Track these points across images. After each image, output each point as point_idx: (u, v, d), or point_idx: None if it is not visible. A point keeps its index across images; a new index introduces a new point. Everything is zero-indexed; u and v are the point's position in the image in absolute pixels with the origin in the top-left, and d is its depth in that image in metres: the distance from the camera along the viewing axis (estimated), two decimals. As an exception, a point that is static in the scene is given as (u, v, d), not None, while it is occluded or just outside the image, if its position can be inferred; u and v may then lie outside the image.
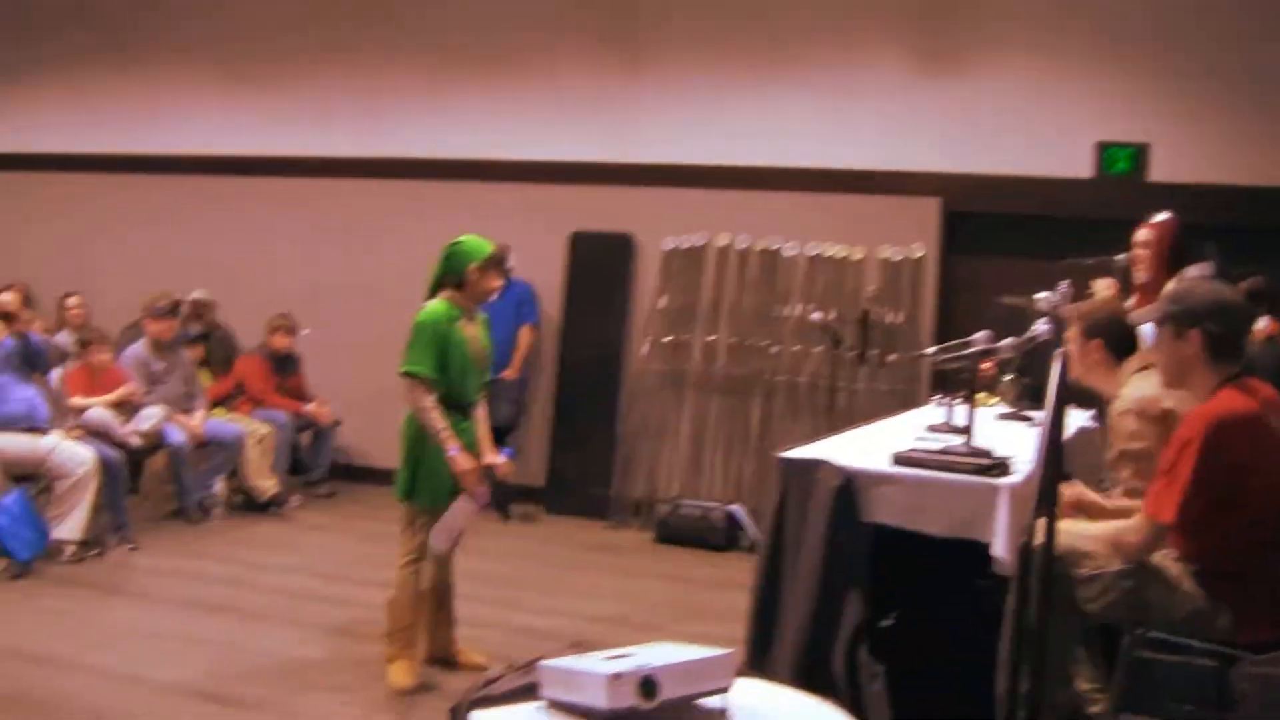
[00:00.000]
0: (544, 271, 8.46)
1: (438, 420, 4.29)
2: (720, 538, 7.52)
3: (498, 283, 4.50)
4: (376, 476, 8.36)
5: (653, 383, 8.20)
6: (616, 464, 8.23)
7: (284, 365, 8.41)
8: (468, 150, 8.64)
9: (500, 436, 6.15)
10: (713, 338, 8.10)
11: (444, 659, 4.86)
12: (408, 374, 4.34)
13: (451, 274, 4.44)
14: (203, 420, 7.60)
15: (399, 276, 8.32)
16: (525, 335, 8.22)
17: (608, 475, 8.21)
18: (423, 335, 4.32)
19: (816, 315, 7.53)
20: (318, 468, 8.51)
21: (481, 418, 4.60)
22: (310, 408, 8.40)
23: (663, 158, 8.21)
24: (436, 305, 4.38)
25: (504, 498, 4.76)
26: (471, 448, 4.44)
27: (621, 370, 8.36)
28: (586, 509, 8.15)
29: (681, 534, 7.60)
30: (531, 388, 8.60)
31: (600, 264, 8.40)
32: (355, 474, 8.89)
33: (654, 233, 8.27)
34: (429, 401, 4.29)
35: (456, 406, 4.42)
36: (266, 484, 7.88)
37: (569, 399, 8.46)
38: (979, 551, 3.44)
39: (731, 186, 8.12)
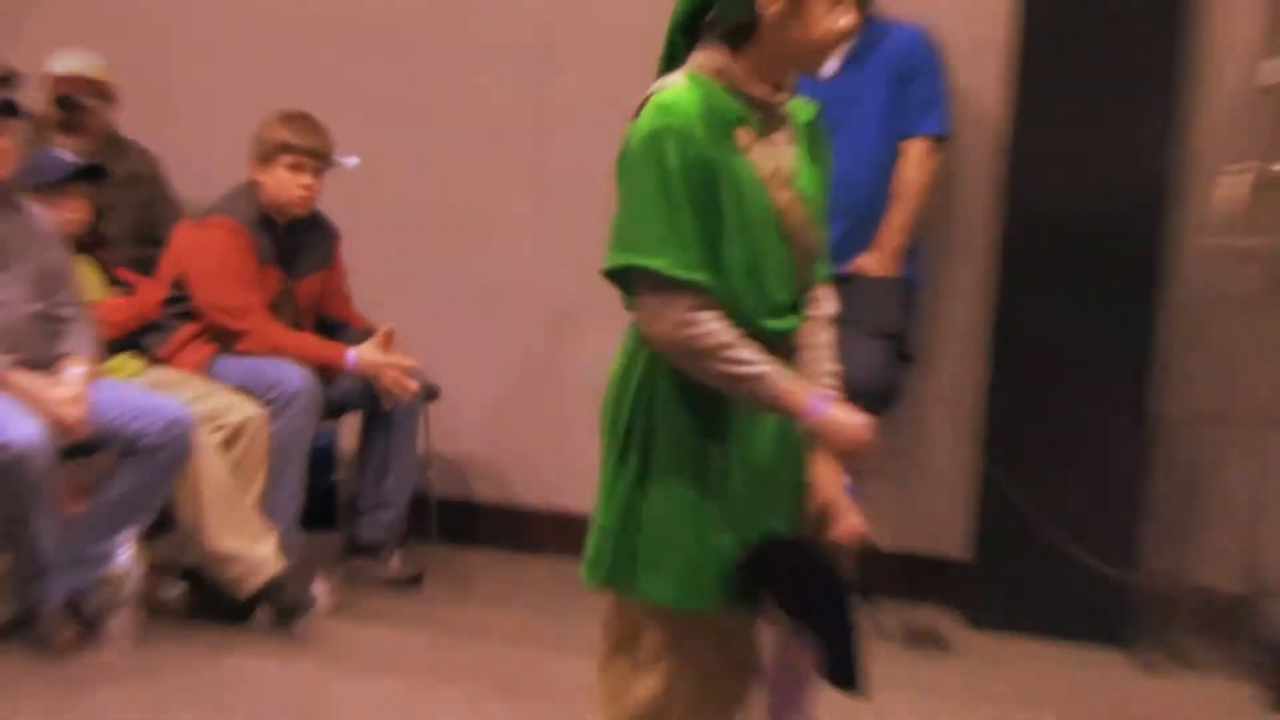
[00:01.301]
0: (962, 9, 7.27)
1: (731, 355, 3.64)
2: None
3: (848, 22, 3.73)
4: (531, 529, 7.98)
5: (1241, 294, 7.02)
6: (1150, 503, 7.06)
7: (297, 246, 7.23)
8: None
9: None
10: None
11: None
12: (623, 272, 3.72)
13: (725, 6, 3.76)
14: (83, 387, 6.40)
15: (569, 62, 7.77)
16: (917, 163, 6.86)
17: (1129, 532, 7.02)
18: (655, 173, 3.64)
19: None
20: (381, 509, 7.35)
21: (820, 360, 3.98)
22: (360, 354, 7.05)
23: None
24: (683, 94, 3.70)
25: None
26: (784, 456, 3.88)
27: (1161, 261, 6.97)
28: (1071, 619, 7.05)
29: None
30: (932, 302, 7.48)
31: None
32: (474, 524, 8.09)
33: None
34: (700, 326, 3.65)
35: (752, 337, 3.80)
36: (250, 551, 6.74)
37: (1024, 332, 7.13)
38: None
39: None
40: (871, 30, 6.64)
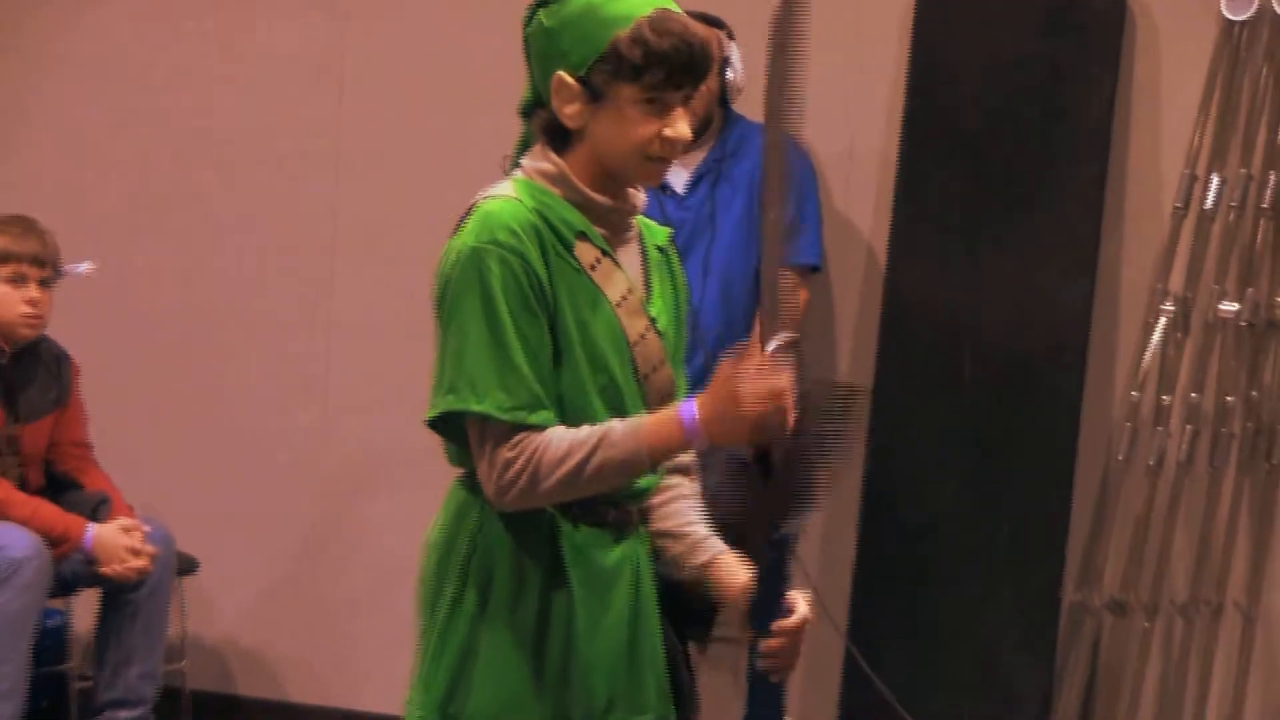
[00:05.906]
0: (840, 110, 6.79)
1: (572, 446, 3.38)
2: None
3: (675, 133, 3.46)
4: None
5: (1166, 462, 6.57)
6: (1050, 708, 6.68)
7: (24, 381, 6.61)
8: None
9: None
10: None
11: None
12: (447, 419, 3.47)
13: (530, 101, 3.72)
14: None
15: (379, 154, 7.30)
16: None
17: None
18: (477, 299, 3.51)
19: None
20: (123, 706, 6.57)
21: (689, 513, 3.76)
22: (100, 535, 6.37)
23: None
24: (509, 203, 3.53)
25: None
26: (639, 639, 3.65)
27: (1073, 420, 6.53)
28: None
29: None
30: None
31: (1012, 71, 6.57)
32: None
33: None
34: (537, 452, 3.39)
35: (588, 511, 3.58)
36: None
37: (901, 501, 6.74)
38: None
39: None
40: (734, 134, 6.04)
